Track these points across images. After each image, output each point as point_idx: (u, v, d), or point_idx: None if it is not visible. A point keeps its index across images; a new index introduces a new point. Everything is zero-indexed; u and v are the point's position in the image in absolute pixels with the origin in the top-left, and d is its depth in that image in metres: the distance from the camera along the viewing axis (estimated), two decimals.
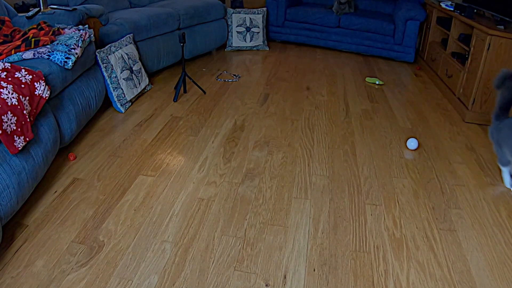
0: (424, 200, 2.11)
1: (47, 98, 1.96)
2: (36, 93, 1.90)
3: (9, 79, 1.79)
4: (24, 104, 1.78)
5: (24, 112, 1.76)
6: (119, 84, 2.91)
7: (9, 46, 2.23)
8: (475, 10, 3.56)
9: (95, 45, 3.07)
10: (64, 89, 2.36)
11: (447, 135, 2.86)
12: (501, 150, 2.25)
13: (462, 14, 3.46)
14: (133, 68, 3.09)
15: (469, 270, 1.66)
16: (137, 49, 3.35)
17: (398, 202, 2.07)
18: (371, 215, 1.96)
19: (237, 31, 4.64)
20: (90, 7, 3.02)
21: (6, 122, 1.64)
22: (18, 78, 1.83)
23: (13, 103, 1.70)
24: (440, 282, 1.59)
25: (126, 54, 3.05)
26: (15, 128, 1.69)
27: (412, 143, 2.61)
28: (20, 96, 1.76)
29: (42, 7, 2.82)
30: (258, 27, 4.71)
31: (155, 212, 1.90)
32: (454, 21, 3.68)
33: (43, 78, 1.97)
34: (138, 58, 3.21)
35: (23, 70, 1.89)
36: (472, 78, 3.07)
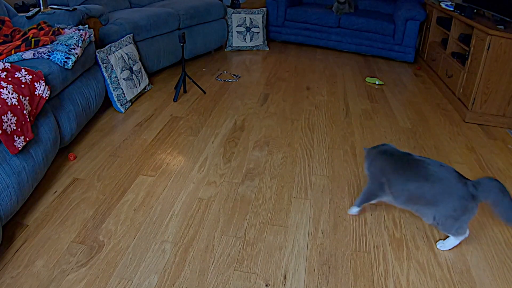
0: None
1: (47, 98, 1.96)
2: (36, 93, 1.90)
3: (9, 79, 1.79)
4: (24, 104, 1.78)
5: (24, 112, 1.76)
6: (119, 84, 2.91)
7: (9, 46, 2.23)
8: (475, 10, 3.56)
9: (95, 45, 3.07)
10: (64, 89, 2.36)
11: (447, 135, 2.86)
12: None
13: (462, 14, 3.46)
14: (133, 68, 3.09)
15: (469, 270, 1.66)
16: (137, 49, 3.35)
17: None
18: (371, 215, 1.96)
19: (237, 31, 4.64)
20: (90, 7, 3.02)
21: (6, 122, 1.63)
22: (18, 78, 1.83)
23: (13, 103, 1.70)
24: (440, 282, 1.59)
25: (126, 54, 3.05)
26: (15, 128, 1.69)
27: None
28: (20, 96, 1.76)
29: (42, 7, 2.82)
30: (258, 27, 4.71)
31: (155, 212, 1.90)
32: (454, 21, 3.68)
33: (43, 78, 1.97)
34: (138, 58, 3.21)
35: (23, 70, 1.89)
36: (472, 78, 3.07)
